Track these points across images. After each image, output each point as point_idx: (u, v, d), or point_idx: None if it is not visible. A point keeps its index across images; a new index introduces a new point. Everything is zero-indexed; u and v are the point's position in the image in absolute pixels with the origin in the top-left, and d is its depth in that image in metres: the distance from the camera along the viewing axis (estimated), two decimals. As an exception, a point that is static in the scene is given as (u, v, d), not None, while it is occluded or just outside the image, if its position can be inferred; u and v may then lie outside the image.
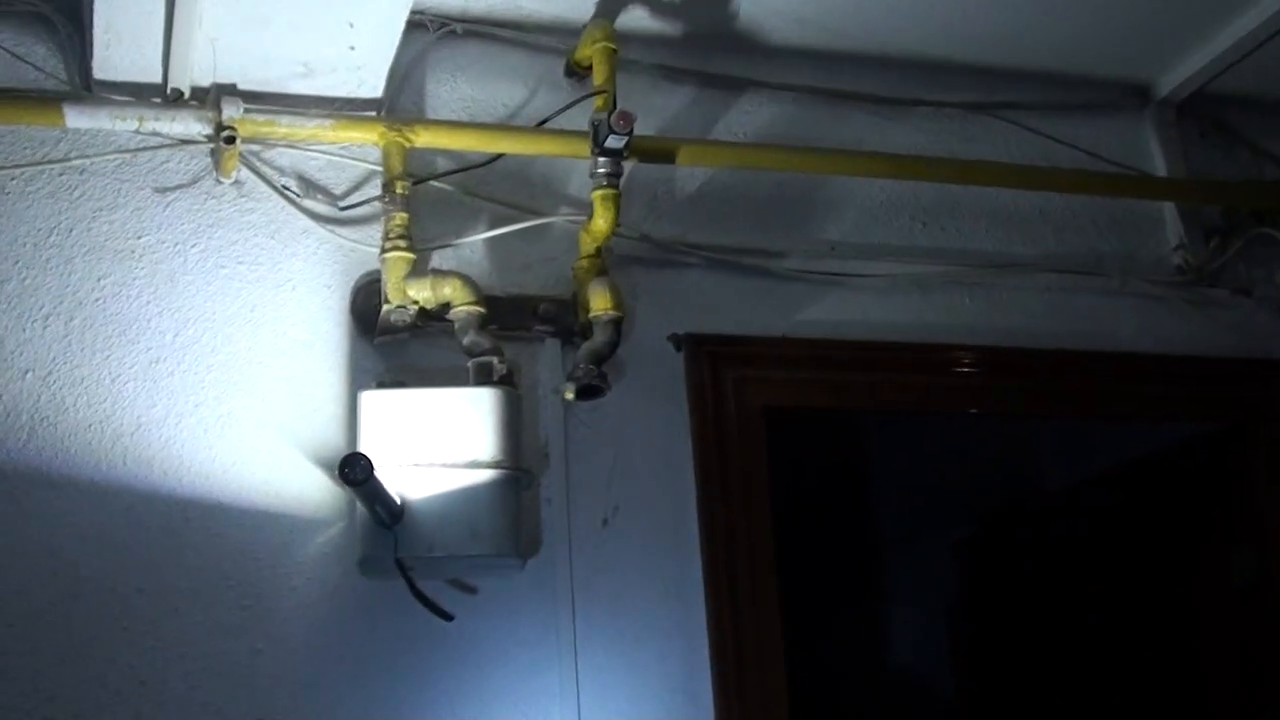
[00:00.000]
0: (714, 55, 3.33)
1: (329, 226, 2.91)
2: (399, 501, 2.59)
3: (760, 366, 3.14)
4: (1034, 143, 3.53)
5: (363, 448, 2.65)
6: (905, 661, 5.43)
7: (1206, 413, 3.63)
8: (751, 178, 3.28)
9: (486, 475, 2.65)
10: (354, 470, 2.42)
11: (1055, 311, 3.44)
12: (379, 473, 2.48)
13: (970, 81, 3.53)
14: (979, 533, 4.98)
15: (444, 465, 2.65)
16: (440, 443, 2.66)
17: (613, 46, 3.00)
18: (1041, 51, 3.51)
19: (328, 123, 2.87)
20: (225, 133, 2.77)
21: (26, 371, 2.68)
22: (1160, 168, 3.65)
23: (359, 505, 2.61)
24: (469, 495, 2.63)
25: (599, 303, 2.86)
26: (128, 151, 2.85)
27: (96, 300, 2.76)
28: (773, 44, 3.35)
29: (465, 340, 2.77)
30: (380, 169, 2.91)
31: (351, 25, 2.73)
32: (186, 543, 2.66)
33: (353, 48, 2.77)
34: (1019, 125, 3.54)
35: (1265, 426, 3.56)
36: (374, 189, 2.93)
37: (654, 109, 3.22)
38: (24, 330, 2.70)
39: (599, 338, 2.85)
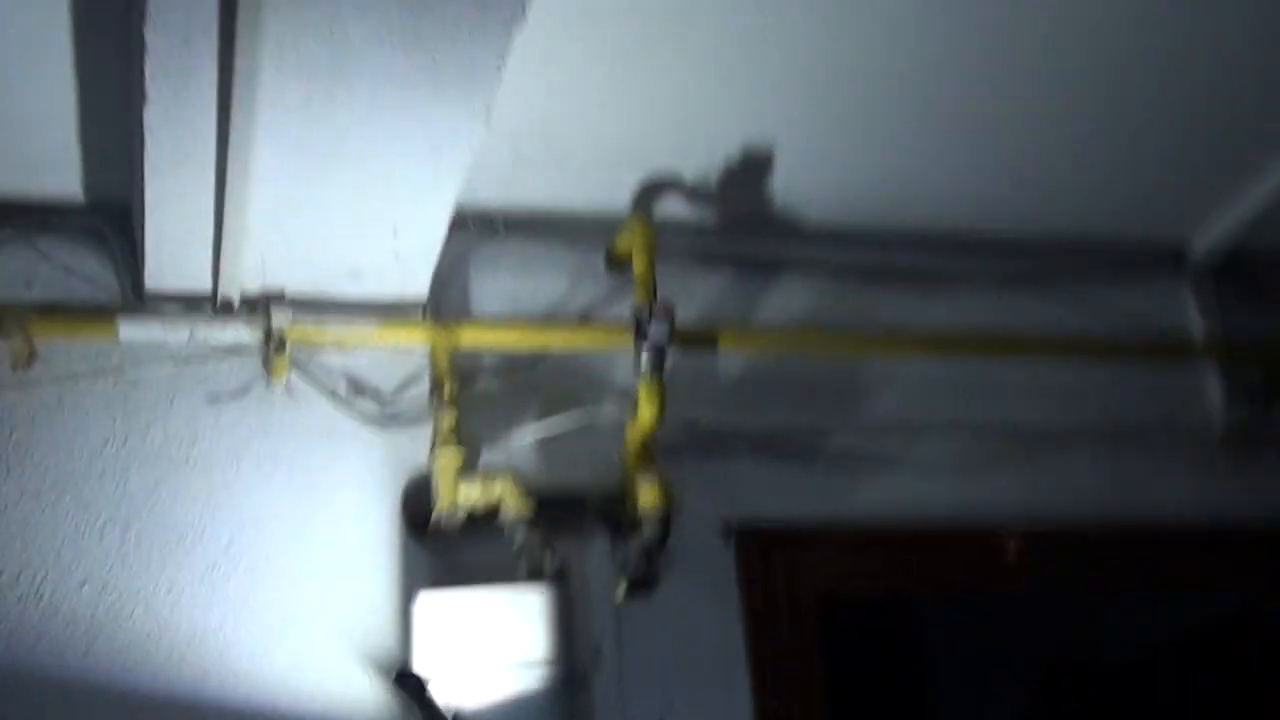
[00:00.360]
0: (749, 239, 3.37)
1: (378, 428, 2.95)
2: (453, 713, 2.59)
3: (810, 553, 3.14)
4: (1072, 312, 3.55)
5: (417, 649, 2.68)
6: None
7: (1257, 585, 3.59)
8: (793, 360, 3.30)
9: (540, 675, 2.66)
10: (408, 685, 2.44)
11: (1100, 483, 3.43)
12: (431, 683, 2.50)
13: (1005, 253, 3.56)
14: (1038, 706, 4.90)
15: (498, 666, 2.66)
16: (493, 643, 2.68)
17: (652, 238, 3.05)
18: (1075, 219, 3.55)
19: (374, 325, 2.92)
20: (275, 340, 2.83)
21: (84, 583, 2.70)
22: (1199, 331, 3.66)
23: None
24: (523, 698, 2.64)
25: (648, 497, 2.87)
26: (180, 360, 2.89)
27: (152, 509, 2.78)
28: (807, 225, 3.39)
29: (516, 540, 2.79)
30: (426, 366, 2.96)
31: (395, 232, 2.78)
32: (242, 751, 2.67)
33: (397, 255, 2.83)
34: (1056, 296, 3.56)
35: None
36: (422, 387, 2.97)
37: (693, 295, 3.25)
38: (81, 541, 2.73)
39: (649, 532, 2.85)
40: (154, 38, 2.19)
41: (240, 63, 2.23)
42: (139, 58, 2.23)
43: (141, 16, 2.15)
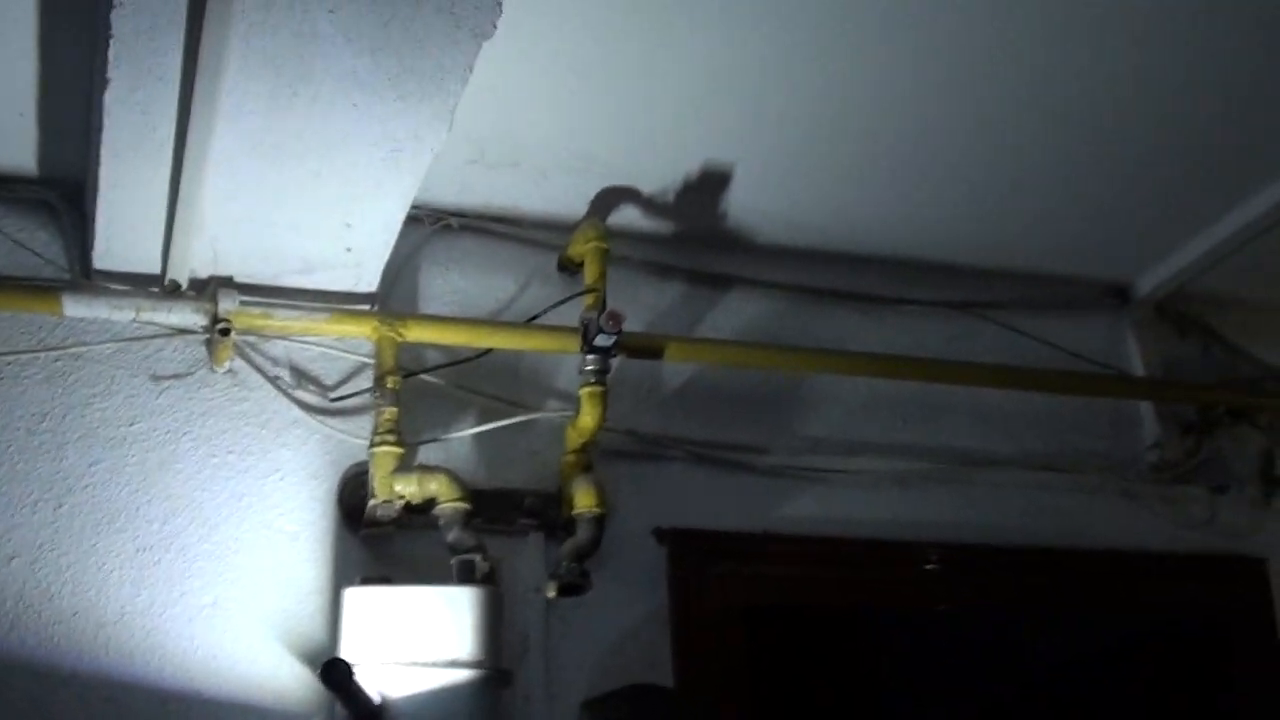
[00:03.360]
0: (703, 253, 3.40)
1: (319, 417, 2.95)
2: (378, 701, 2.60)
3: (742, 563, 3.18)
4: (1015, 341, 3.59)
5: (344, 643, 2.67)
6: None
7: (1182, 609, 3.67)
8: (737, 374, 3.34)
9: (466, 675, 2.66)
10: (334, 675, 2.45)
11: (1033, 508, 3.49)
12: (359, 673, 2.51)
13: (953, 281, 3.61)
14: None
15: (424, 664, 2.66)
16: (421, 641, 2.67)
17: (604, 246, 3.07)
18: (1024, 253, 3.60)
19: (322, 316, 2.92)
20: (220, 325, 2.82)
21: (13, 558, 2.69)
22: (1138, 366, 3.73)
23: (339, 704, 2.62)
24: (448, 695, 2.64)
25: (583, 500, 2.90)
26: (124, 340, 2.88)
27: (86, 487, 2.78)
28: (760, 243, 3.43)
29: (449, 537, 2.80)
30: (372, 361, 2.96)
31: (349, 226, 2.78)
32: (164, 734, 2.67)
33: (349, 249, 2.83)
34: (1001, 324, 3.61)
35: (1240, 622, 3.61)
36: (365, 381, 2.98)
37: (643, 304, 3.28)
38: (13, 516, 2.72)
39: (582, 535, 2.88)
40: (121, 25, 2.17)
41: (206, 54, 2.22)
42: (104, 42, 2.22)
43: (109, 3, 2.14)
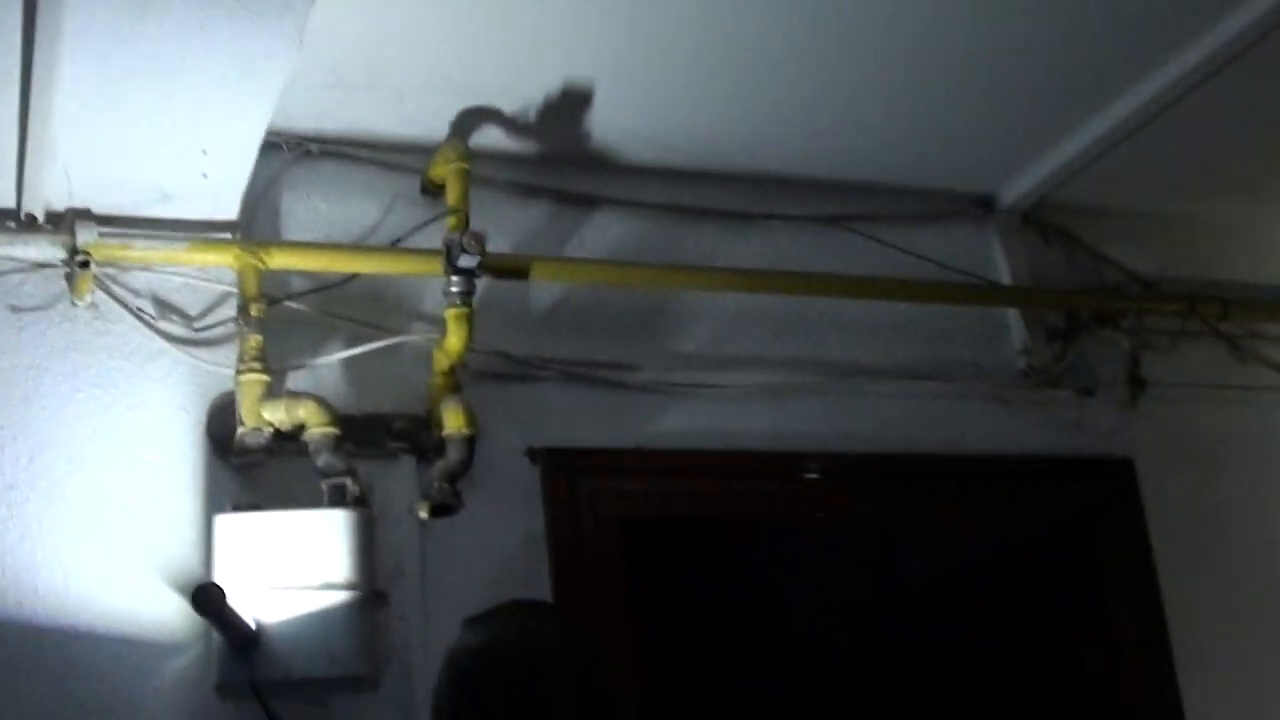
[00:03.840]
0: (568, 173, 3.40)
1: (185, 348, 2.93)
2: (254, 626, 2.60)
3: (616, 479, 3.21)
4: (883, 254, 3.63)
5: (218, 571, 2.67)
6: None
7: (1053, 510, 3.76)
8: (605, 293, 3.35)
9: (341, 597, 2.67)
10: (206, 601, 2.45)
11: (904, 417, 3.54)
12: (233, 598, 2.51)
13: (819, 195, 3.63)
14: (845, 632, 5.02)
15: (299, 588, 2.66)
16: (295, 565, 2.68)
17: (466, 166, 3.07)
18: (888, 165, 3.63)
19: (183, 246, 2.90)
20: (79, 257, 2.79)
21: (-126, 500, 2.67)
22: (1004, 275, 3.78)
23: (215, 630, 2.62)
24: (324, 617, 2.65)
25: (452, 421, 2.91)
26: (-20, 275, 2.86)
27: (-53, 425, 2.75)
28: (625, 162, 3.43)
29: (320, 461, 2.80)
30: (235, 290, 2.94)
31: (205, 152, 2.76)
32: (42, 670, 2.64)
33: (205, 175, 2.81)
34: (868, 237, 3.64)
35: (1108, 521, 3.69)
36: (229, 310, 2.95)
37: (508, 226, 3.28)
38: (-128, 456, 2.69)
39: (452, 455, 2.89)
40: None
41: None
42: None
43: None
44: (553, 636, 2.35)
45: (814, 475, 3.39)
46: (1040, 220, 3.88)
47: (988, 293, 3.75)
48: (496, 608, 2.47)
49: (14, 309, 2.85)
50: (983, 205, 3.84)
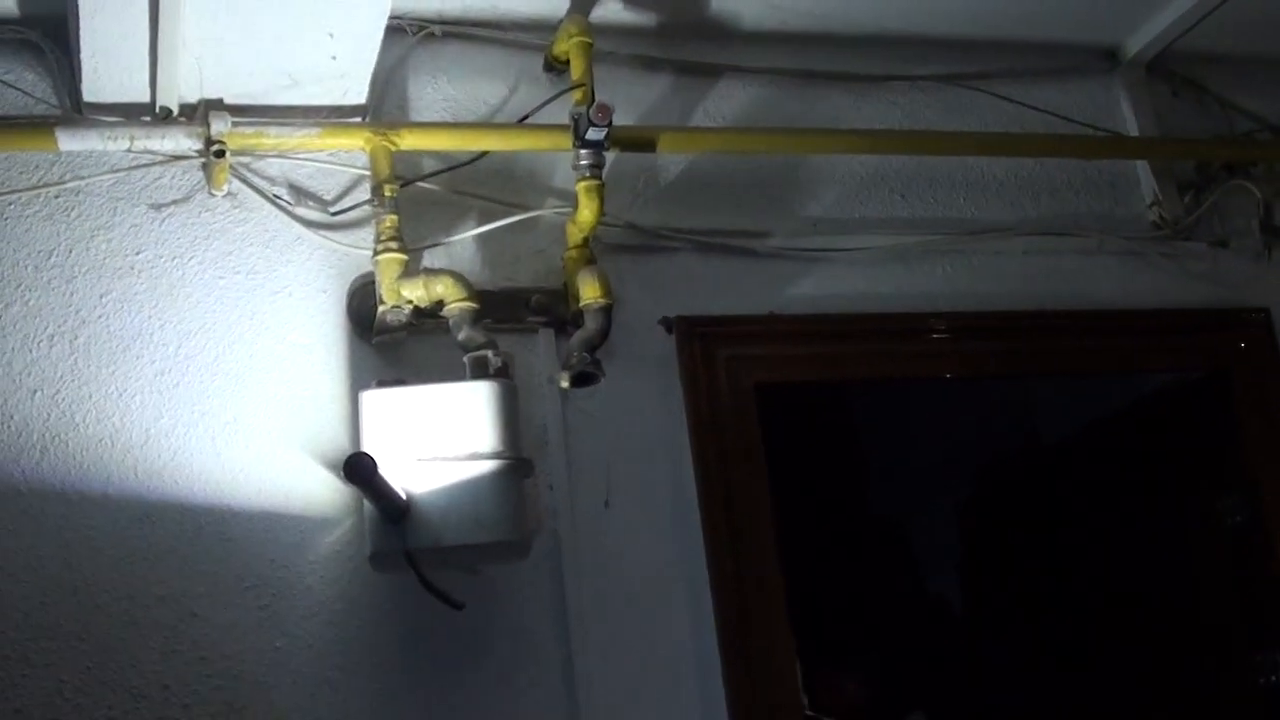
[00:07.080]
0: (689, 43, 3.40)
1: (321, 232, 2.98)
2: (404, 496, 2.66)
3: (749, 344, 3.22)
4: (1008, 111, 3.59)
5: (365, 446, 2.71)
6: (914, 623, 5.49)
7: (1187, 362, 3.72)
8: (732, 161, 3.35)
9: (488, 466, 2.71)
10: (358, 470, 2.50)
11: (1034, 274, 3.52)
12: (382, 470, 2.56)
13: (942, 54, 3.60)
14: (978, 492, 5.03)
15: (446, 459, 2.70)
16: (441, 437, 2.71)
17: (588, 40, 3.07)
18: (1010, 21, 3.58)
19: (314, 131, 2.94)
20: (215, 147, 2.84)
21: (35, 391, 2.75)
22: (1132, 127, 3.73)
23: (366, 502, 2.68)
24: (472, 486, 2.69)
25: (589, 291, 2.93)
26: (121, 170, 2.91)
27: (99, 318, 2.83)
28: (746, 29, 3.42)
29: (460, 336, 2.83)
30: (368, 173, 2.97)
31: (332, 35, 2.79)
32: (201, 549, 2.73)
33: (334, 57, 2.84)
34: (992, 94, 3.61)
35: (1245, 372, 3.64)
36: (363, 193, 3.00)
37: (633, 99, 3.29)
38: (30, 351, 2.77)
39: (590, 326, 2.91)
40: None
41: None
42: None
43: None
44: None
45: (941, 335, 3.38)
46: (1166, 71, 3.81)
47: (1116, 145, 3.70)
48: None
49: (155, 204, 2.92)
50: (1108, 58, 3.78)
